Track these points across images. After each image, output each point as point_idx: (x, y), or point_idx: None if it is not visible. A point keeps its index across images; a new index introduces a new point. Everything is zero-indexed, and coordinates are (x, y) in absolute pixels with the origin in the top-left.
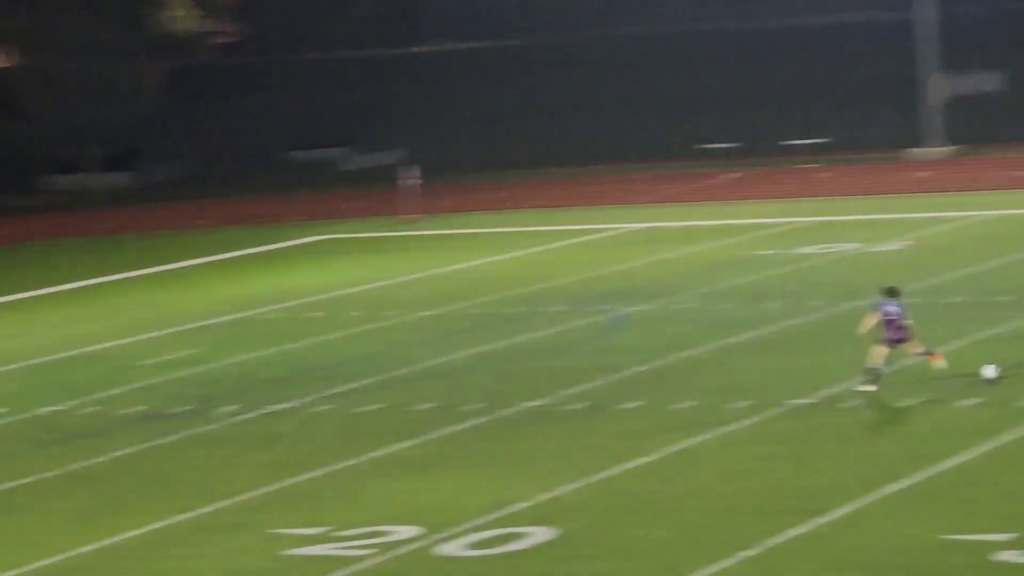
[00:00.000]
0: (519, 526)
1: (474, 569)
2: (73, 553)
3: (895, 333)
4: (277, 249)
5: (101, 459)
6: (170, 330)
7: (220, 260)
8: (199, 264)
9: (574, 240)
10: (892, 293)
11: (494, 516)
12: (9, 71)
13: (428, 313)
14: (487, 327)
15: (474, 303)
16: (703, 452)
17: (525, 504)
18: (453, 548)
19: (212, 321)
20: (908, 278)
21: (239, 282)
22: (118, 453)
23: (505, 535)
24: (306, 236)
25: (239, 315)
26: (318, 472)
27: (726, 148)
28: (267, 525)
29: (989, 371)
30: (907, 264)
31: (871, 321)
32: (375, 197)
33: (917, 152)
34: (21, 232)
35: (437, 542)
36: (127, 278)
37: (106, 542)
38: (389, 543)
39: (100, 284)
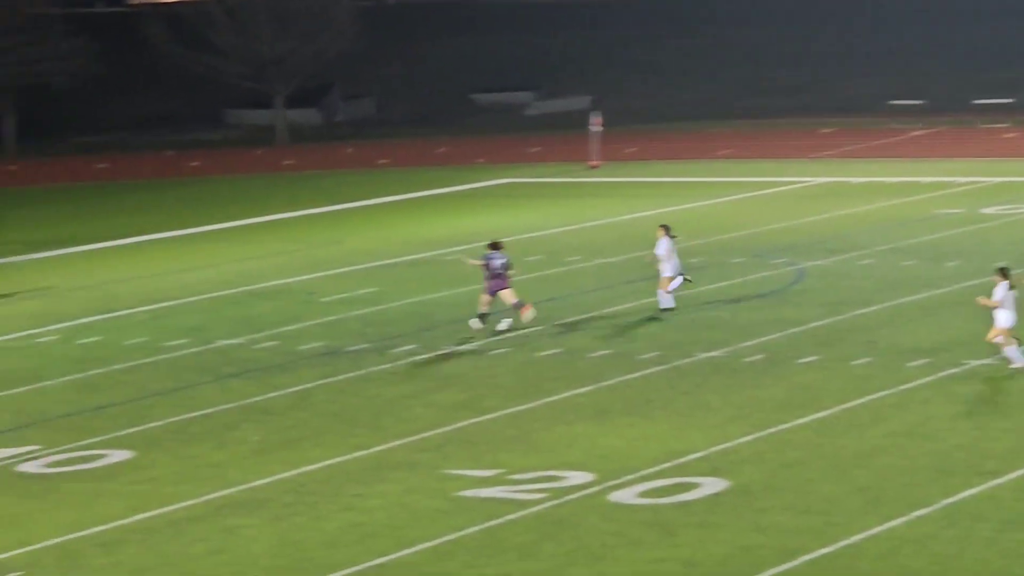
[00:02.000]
0: (691, 476)
1: (645, 517)
2: (247, 486)
3: (496, 283)
4: (460, 191)
5: (278, 393)
6: (350, 268)
7: (403, 200)
8: (381, 204)
9: (757, 192)
10: (495, 246)
11: (667, 465)
12: (200, 5)
13: (608, 260)
14: None
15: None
16: (879, 410)
17: (698, 454)
18: (625, 495)
19: (393, 260)
20: None
21: (421, 223)
22: (295, 388)
23: (677, 485)
24: (490, 179)
25: (420, 255)
26: (493, 415)
27: (914, 105)
28: (441, 465)
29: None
30: None
31: (476, 264)
32: (559, 142)
33: None
34: (208, 166)
35: (609, 489)
36: (310, 215)
37: (281, 476)
38: (562, 488)
39: (283, 220)
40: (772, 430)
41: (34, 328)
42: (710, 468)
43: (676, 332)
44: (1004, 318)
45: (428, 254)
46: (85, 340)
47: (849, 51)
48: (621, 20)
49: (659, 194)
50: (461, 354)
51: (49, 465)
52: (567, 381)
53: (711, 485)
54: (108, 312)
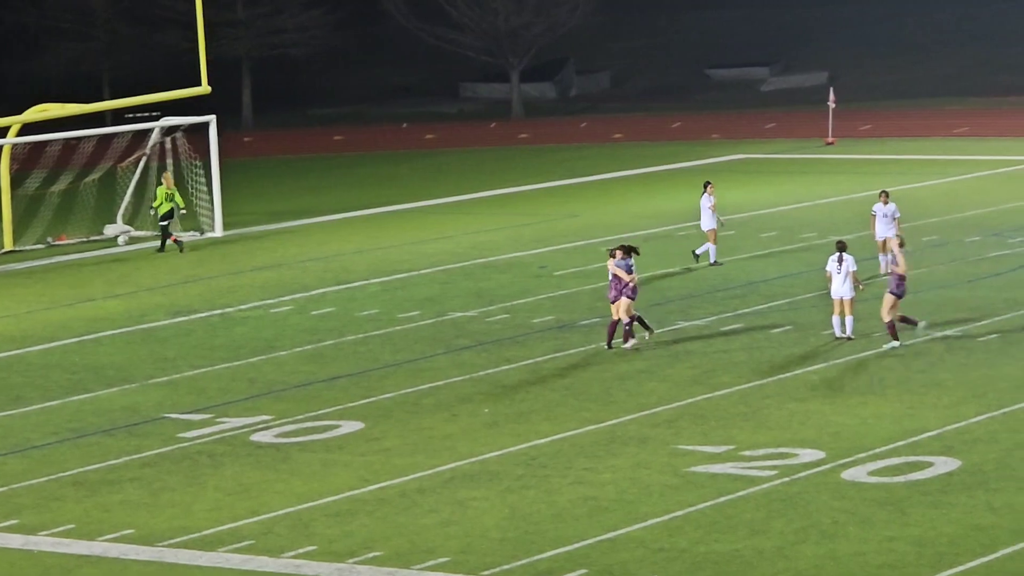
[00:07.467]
0: (924, 455)
1: (876, 495)
2: (479, 458)
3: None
4: (695, 166)
5: (510, 367)
6: (584, 241)
7: (637, 175)
8: (616, 178)
9: (994, 171)
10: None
11: (899, 444)
12: None
13: (843, 238)
14: None
15: None
16: None
17: (931, 433)
18: (856, 473)
19: (626, 235)
20: None
21: (655, 197)
22: (527, 361)
23: (909, 463)
24: (724, 155)
25: (653, 230)
26: (725, 391)
27: None
28: (672, 441)
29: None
30: None
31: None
32: (794, 118)
33: None
34: (443, 138)
35: (841, 467)
36: (544, 188)
37: (512, 448)
38: (793, 465)
39: (517, 193)
40: (1006, 410)
41: (269, 298)
42: (943, 447)
43: (910, 311)
44: None
45: (662, 229)
46: (319, 311)
47: None
48: None
49: (894, 171)
50: (693, 330)
51: (281, 435)
52: (799, 358)
53: (944, 464)
54: (342, 283)
